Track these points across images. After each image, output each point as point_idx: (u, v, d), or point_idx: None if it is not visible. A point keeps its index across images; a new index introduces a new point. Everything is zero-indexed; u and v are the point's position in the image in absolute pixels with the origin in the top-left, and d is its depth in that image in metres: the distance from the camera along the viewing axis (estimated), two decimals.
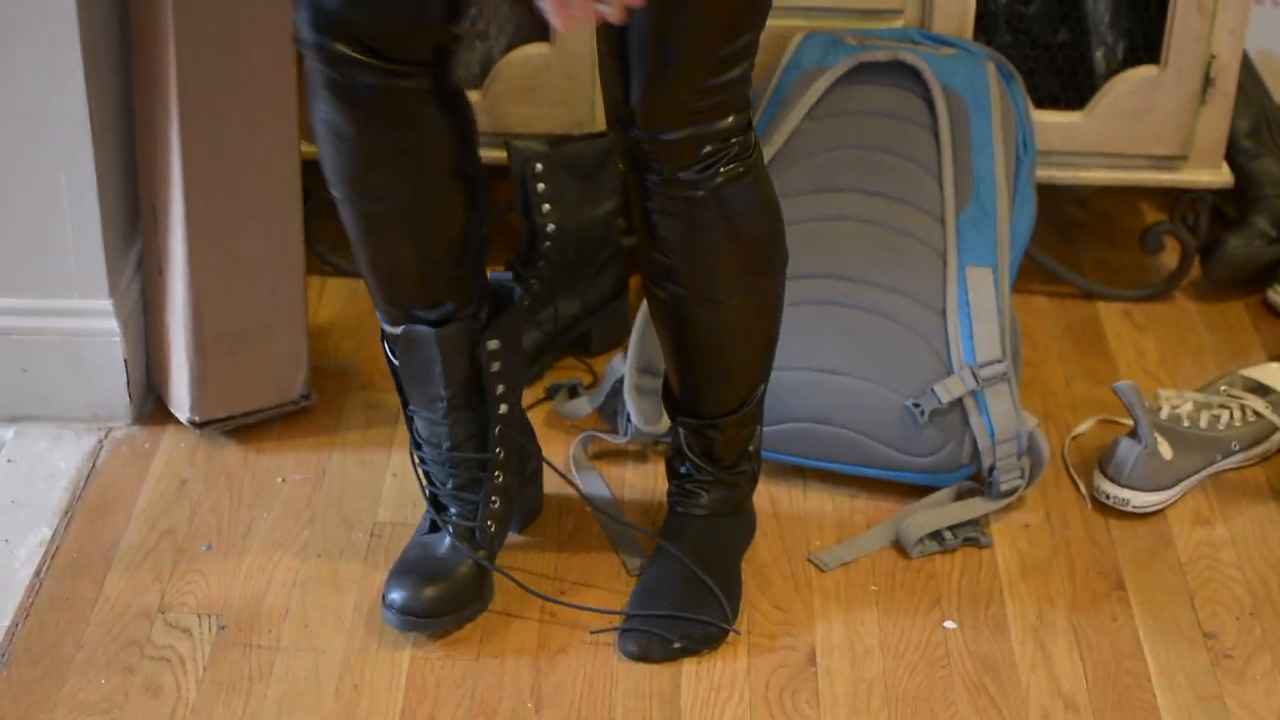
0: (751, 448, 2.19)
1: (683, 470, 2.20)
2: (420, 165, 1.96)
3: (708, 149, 1.91)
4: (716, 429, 2.15)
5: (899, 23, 2.60)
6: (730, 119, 1.90)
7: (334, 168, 1.96)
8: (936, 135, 2.46)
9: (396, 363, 2.09)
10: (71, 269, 2.37)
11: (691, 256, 2.00)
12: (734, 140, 1.92)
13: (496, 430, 2.12)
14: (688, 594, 2.13)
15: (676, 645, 2.10)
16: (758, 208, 1.99)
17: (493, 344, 2.07)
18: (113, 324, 2.40)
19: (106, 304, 2.39)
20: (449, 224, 2.01)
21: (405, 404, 2.13)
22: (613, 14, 1.70)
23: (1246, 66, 2.82)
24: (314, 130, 1.94)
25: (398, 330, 2.06)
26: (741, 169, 1.94)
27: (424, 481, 2.16)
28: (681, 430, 2.17)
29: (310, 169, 2.24)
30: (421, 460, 2.15)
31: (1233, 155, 2.78)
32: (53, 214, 2.34)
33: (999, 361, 2.31)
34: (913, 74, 2.50)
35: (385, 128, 1.92)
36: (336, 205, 2.00)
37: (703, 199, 1.94)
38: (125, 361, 2.41)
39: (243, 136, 2.30)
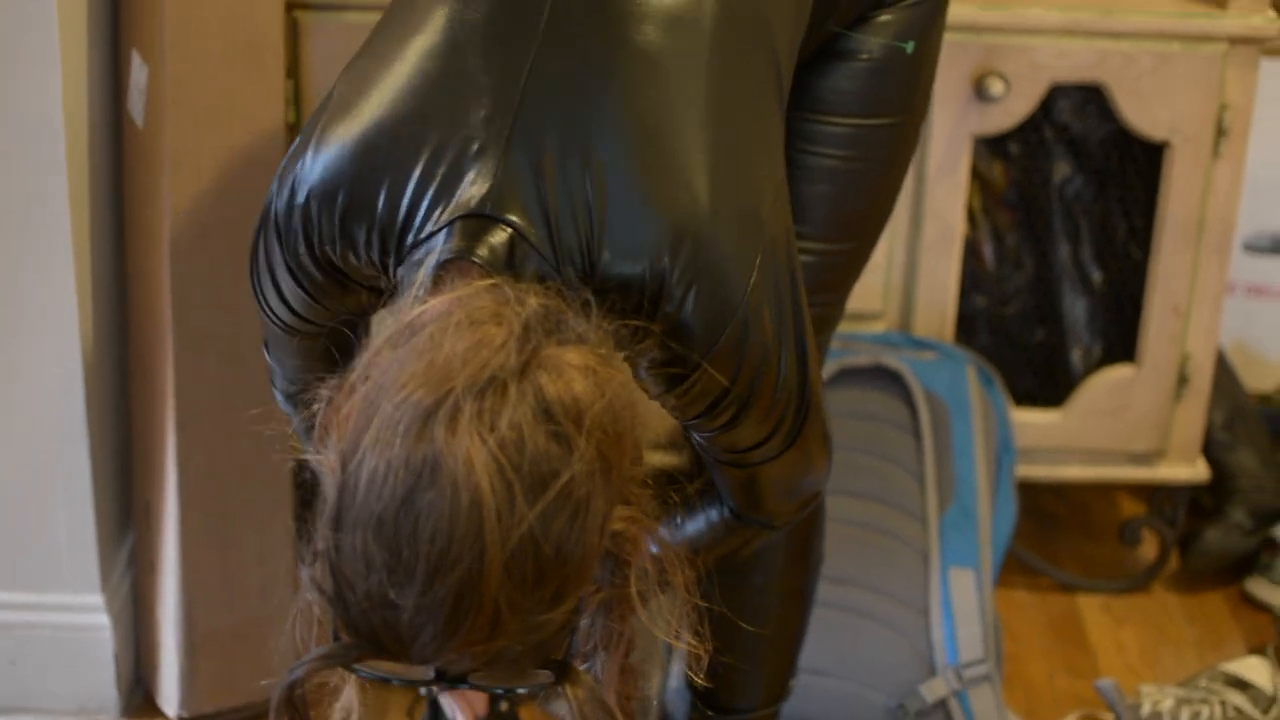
0: None
1: None
2: None
3: None
4: None
5: (880, 325, 2.66)
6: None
7: None
8: (919, 438, 2.50)
9: None
10: (64, 564, 2.39)
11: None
12: None
13: None
14: None
15: None
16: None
17: None
18: (103, 619, 2.41)
19: (98, 599, 2.41)
20: None
21: None
22: None
23: (1220, 360, 2.88)
24: None
25: None
26: None
27: None
28: None
29: (302, 465, 2.27)
30: None
31: (1208, 447, 2.82)
32: (47, 510, 2.36)
33: (981, 662, 2.34)
34: (894, 378, 2.55)
35: None
36: None
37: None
38: (115, 656, 2.43)
39: (237, 440, 2.34)
